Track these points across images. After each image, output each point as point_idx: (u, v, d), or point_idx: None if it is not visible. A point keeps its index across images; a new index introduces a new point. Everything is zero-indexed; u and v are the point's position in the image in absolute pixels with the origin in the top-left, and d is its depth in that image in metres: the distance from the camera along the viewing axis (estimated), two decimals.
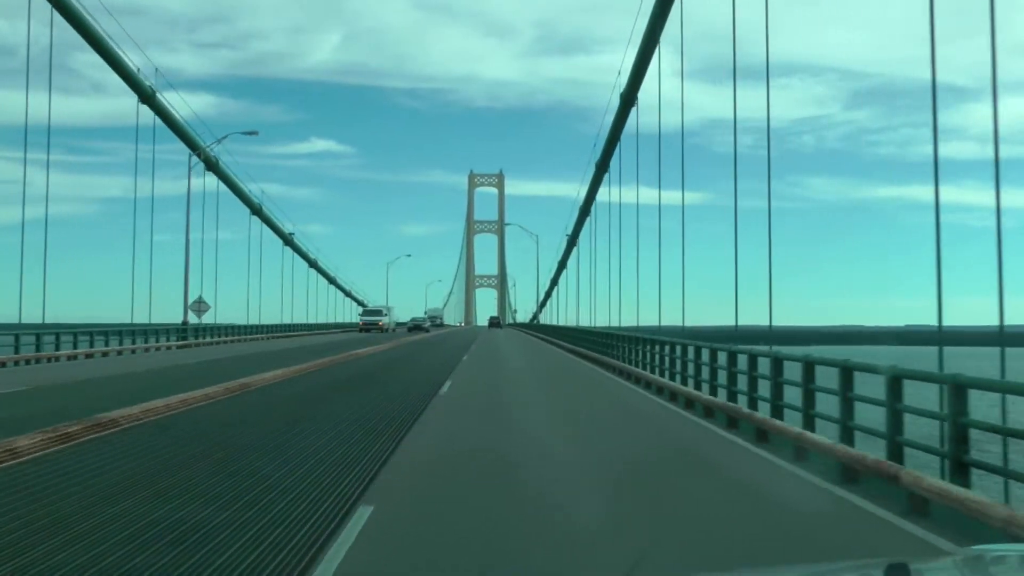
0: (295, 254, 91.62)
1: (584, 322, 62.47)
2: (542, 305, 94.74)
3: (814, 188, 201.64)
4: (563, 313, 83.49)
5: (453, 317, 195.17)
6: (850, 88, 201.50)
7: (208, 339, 51.28)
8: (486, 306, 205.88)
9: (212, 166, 59.82)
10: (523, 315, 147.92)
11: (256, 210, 71.74)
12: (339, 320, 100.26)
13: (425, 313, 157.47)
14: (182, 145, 62.26)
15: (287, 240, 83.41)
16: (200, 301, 50.37)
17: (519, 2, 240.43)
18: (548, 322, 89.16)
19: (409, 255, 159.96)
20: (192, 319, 49.95)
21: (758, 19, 19.97)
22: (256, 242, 72.67)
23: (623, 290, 41.65)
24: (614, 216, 44.36)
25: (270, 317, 76.80)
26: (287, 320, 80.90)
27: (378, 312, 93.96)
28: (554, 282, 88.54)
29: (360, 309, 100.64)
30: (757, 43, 20.88)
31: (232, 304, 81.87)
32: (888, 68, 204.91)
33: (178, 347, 45.86)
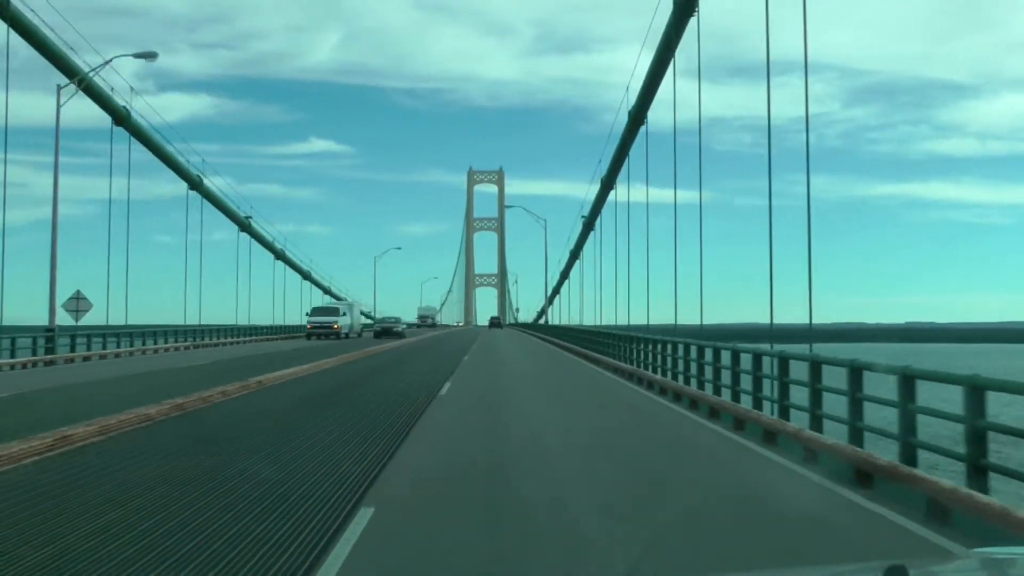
0: (273, 250, 77.51)
1: (607, 321, 49.46)
2: (551, 299, 78.95)
3: (814, 186, 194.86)
4: (577, 310, 69.34)
5: (451, 317, 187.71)
6: (849, 86, 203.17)
7: (93, 350, 36.45)
8: (486, 305, 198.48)
9: (121, 119, 44.92)
10: (525, 314, 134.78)
11: (195, 184, 56.61)
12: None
13: (417, 313, 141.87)
14: (181, 145, 50.02)
15: (243, 225, 68.38)
16: (78, 298, 35.53)
17: (518, 1, 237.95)
18: (557, 321, 73.94)
19: (399, 248, 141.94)
20: (67, 321, 35.11)
21: (752, 19, 21.01)
22: (197, 223, 57.16)
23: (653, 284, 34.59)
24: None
25: (221, 317, 61.91)
26: (244, 321, 65.87)
27: (331, 311, 69.04)
28: (564, 275, 73.67)
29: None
30: (757, 41, 20.89)
31: (173, 302, 66.86)
32: (887, 66, 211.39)
33: (32, 364, 31.04)
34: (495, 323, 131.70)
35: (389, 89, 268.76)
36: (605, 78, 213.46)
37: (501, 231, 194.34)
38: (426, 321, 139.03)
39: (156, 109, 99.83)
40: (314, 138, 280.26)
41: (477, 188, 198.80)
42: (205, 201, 58.21)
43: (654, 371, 22.50)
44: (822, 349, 15.37)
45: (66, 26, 35.90)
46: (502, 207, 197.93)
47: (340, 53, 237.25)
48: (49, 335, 33.67)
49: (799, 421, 11.88)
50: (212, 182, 59.29)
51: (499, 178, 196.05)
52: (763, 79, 21.10)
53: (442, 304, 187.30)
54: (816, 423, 11.27)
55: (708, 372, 17.13)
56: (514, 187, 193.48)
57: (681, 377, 19.64)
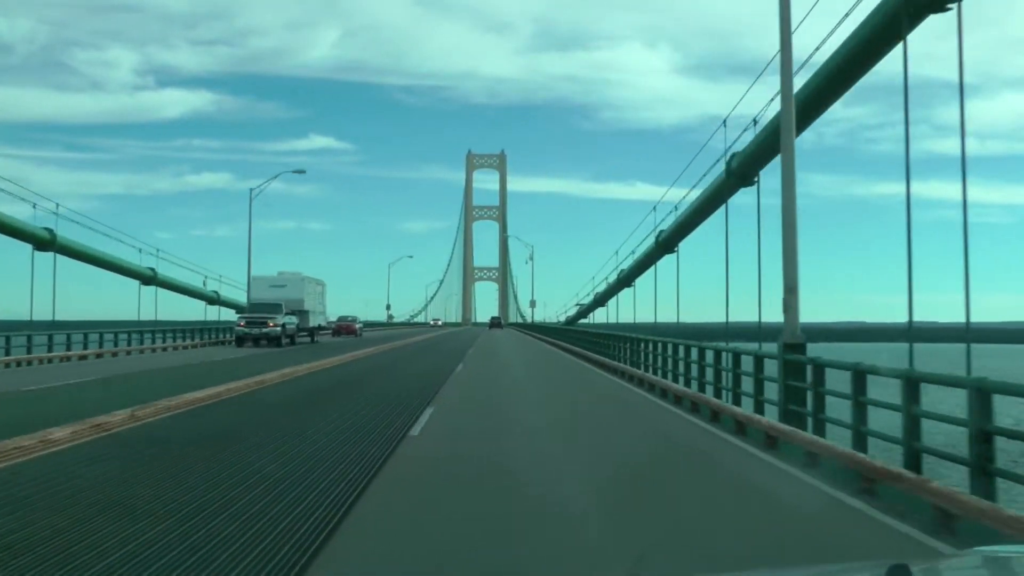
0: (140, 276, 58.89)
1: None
2: (605, 298, 55.59)
3: (815, 184, 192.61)
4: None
5: (444, 313, 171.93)
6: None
7: None
8: (487, 301, 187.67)
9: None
10: (543, 311, 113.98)
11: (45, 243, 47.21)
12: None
13: (248, 294, 53.58)
14: (181, 141, 39.32)
15: (45, 243, 47.00)
16: None
17: None
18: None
19: (300, 171, 63.01)
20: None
21: (752, 16, 18.77)
22: None
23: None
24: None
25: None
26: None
27: None
28: (606, 295, 53.23)
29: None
30: (753, 40, 18.54)
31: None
32: (887, 64, 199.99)
33: None
34: (495, 323, 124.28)
35: (388, 86, 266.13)
36: (605, 75, 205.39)
37: (503, 220, 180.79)
38: (255, 321, 47.33)
39: None
40: (313, 135, 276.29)
41: (476, 177, 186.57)
42: None
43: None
44: (817, 350, 16.12)
45: (66, 23, 29.82)
46: (503, 193, 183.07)
47: (339, 50, 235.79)
48: None
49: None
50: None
51: (500, 162, 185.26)
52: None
53: (430, 299, 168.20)
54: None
55: None
56: (515, 184, 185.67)
57: None
